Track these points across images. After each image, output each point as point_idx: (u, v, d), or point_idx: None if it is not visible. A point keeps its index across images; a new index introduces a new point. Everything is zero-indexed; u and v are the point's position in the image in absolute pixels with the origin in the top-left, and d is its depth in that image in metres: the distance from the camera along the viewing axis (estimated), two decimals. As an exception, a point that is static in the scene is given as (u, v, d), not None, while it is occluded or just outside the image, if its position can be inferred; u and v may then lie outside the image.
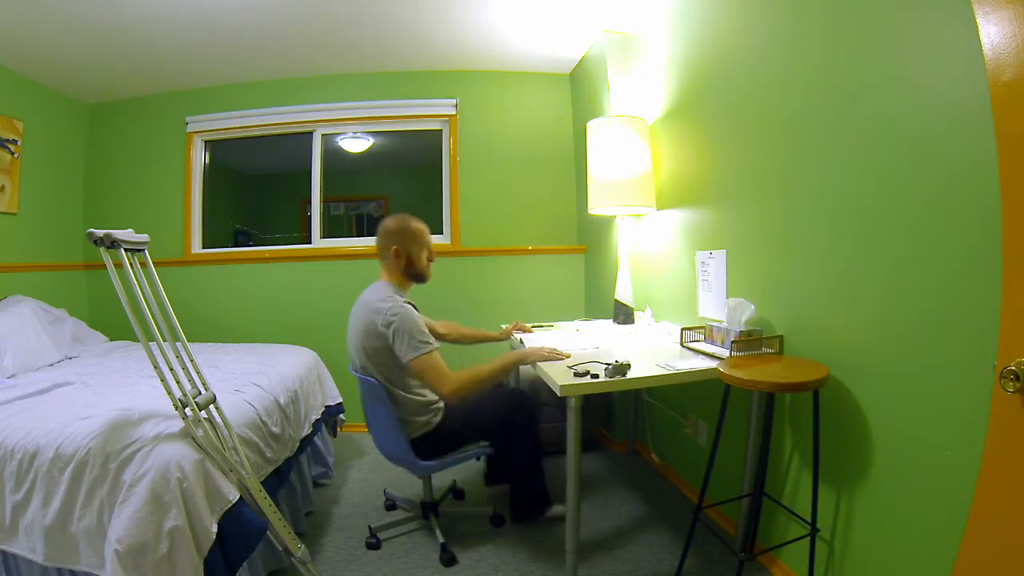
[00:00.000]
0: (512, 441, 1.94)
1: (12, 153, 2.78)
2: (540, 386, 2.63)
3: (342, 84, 3.27)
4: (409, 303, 1.81)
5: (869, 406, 1.37)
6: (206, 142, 3.42)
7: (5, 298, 2.55)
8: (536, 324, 2.58)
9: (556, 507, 2.02)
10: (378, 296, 1.78)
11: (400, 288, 1.87)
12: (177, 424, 1.41)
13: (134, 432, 1.40)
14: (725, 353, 1.68)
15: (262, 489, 1.47)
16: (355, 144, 3.82)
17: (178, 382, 1.38)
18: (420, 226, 1.90)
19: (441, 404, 1.91)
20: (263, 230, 4.89)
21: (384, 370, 1.78)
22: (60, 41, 2.56)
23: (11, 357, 2.15)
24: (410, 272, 1.88)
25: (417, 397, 1.84)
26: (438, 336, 2.18)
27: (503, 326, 2.46)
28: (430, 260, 1.92)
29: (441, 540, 1.88)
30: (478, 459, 2.16)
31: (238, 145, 3.64)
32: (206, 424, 1.39)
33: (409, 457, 1.81)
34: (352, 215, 5.18)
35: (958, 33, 1.07)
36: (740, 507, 1.76)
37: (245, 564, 1.46)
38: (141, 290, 1.38)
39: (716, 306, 2.01)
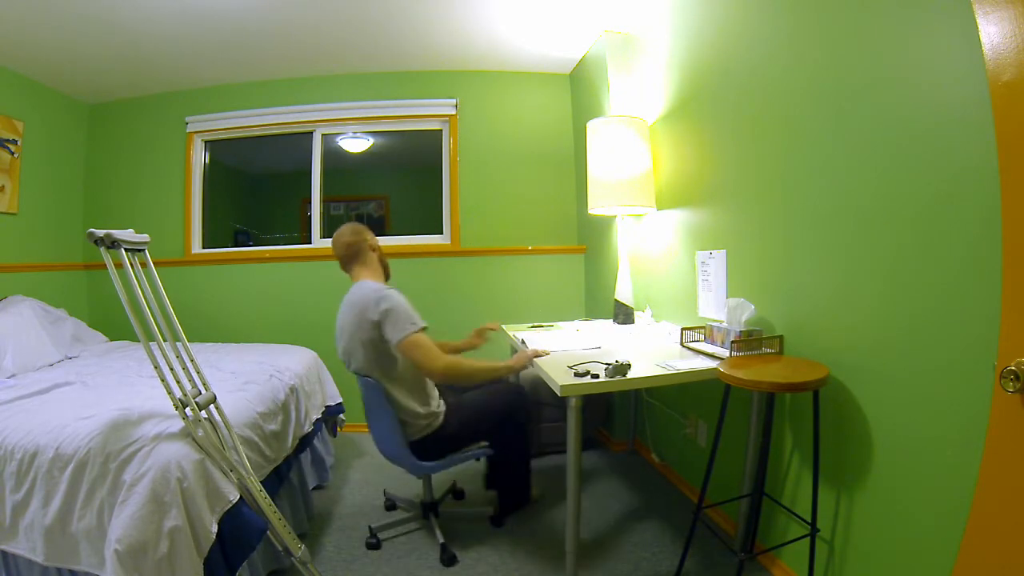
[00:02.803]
0: (506, 440, 2.00)
1: (12, 153, 2.78)
2: (540, 386, 2.64)
3: (342, 84, 3.27)
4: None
5: (869, 406, 1.37)
6: (206, 142, 3.42)
7: (5, 298, 2.55)
8: (535, 324, 2.58)
9: (533, 490, 2.23)
10: (370, 288, 1.81)
11: (385, 283, 1.96)
12: (177, 424, 1.41)
13: (134, 432, 1.40)
14: (725, 353, 1.68)
15: (262, 489, 1.47)
16: (355, 144, 3.82)
17: (178, 382, 1.37)
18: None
19: (441, 408, 1.90)
20: (263, 230, 4.89)
21: (380, 365, 1.78)
22: (60, 41, 2.56)
23: (11, 357, 2.15)
24: (384, 264, 2.03)
25: (415, 407, 1.82)
26: None
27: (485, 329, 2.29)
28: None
29: (441, 540, 1.89)
30: (477, 460, 2.18)
31: (238, 145, 3.63)
32: (206, 424, 1.40)
33: (408, 458, 1.81)
34: (352, 215, 5.18)
35: (958, 33, 1.08)
36: (740, 507, 1.76)
37: (245, 564, 1.46)
38: (141, 290, 1.38)
39: (716, 306, 2.01)
